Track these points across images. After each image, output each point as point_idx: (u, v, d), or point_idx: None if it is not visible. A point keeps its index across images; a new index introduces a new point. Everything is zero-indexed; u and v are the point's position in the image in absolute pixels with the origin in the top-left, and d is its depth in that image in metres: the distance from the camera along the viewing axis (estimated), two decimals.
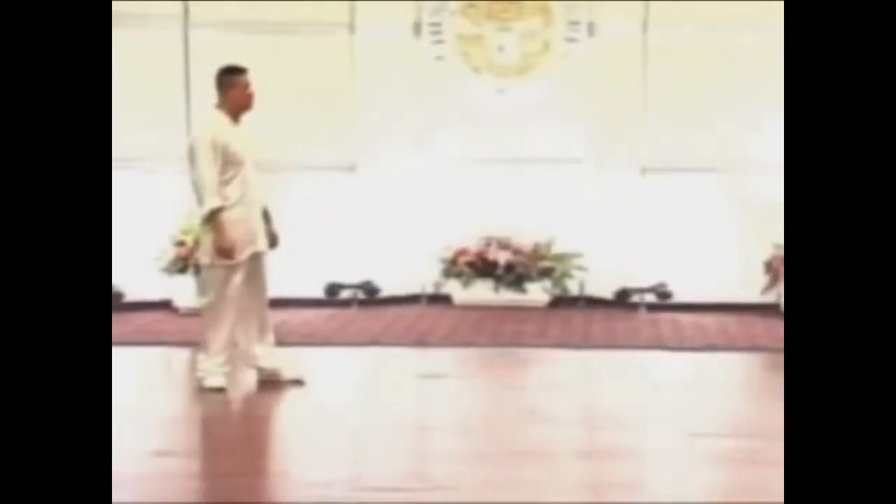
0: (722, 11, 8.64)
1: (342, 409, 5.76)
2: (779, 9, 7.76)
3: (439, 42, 9.26)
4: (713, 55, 8.79)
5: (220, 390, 5.81)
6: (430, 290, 9.18)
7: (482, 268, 9.07)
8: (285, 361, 6.09)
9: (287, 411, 5.64)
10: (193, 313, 8.64)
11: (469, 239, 9.17)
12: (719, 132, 8.78)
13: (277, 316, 8.44)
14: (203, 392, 5.80)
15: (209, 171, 5.68)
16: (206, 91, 9.02)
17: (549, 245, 9.12)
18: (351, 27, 9.15)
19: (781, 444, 3.11)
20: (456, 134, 9.19)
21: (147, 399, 5.89)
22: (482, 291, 9.07)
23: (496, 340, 7.43)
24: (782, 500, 2.88)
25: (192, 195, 5.85)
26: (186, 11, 9.07)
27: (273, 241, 6.11)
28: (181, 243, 8.83)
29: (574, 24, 9.14)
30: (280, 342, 7.38)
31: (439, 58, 9.25)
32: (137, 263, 8.52)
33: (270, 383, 5.96)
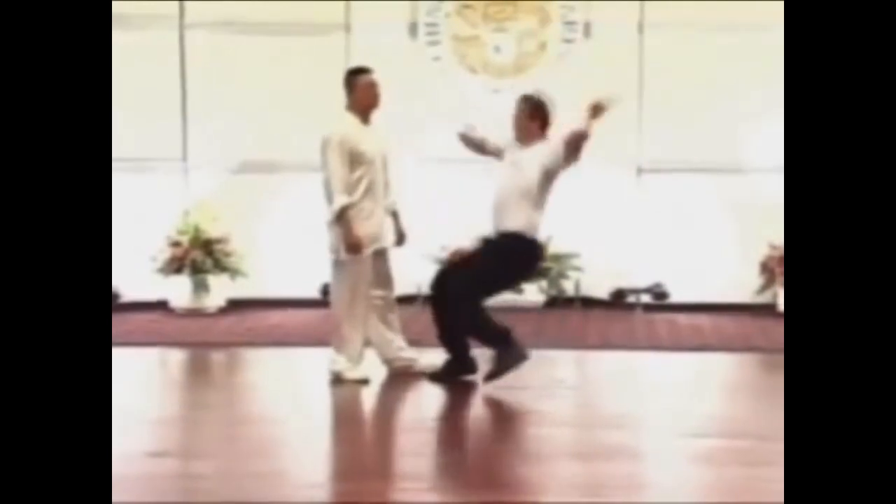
0: (718, 12, 8.65)
1: (338, 410, 5.77)
2: (775, 9, 7.80)
3: (435, 43, 9.26)
4: (709, 56, 8.80)
5: (364, 382, 5.98)
6: (425, 290, 9.16)
7: None
8: (413, 354, 6.26)
9: (282, 411, 5.63)
10: (189, 313, 8.68)
11: (465, 239, 9.16)
12: (715, 133, 8.80)
13: (273, 316, 8.51)
14: (338, 385, 5.93)
15: (339, 169, 5.87)
16: (202, 91, 9.09)
17: (544, 245, 9.11)
18: (347, 28, 9.15)
19: (777, 444, 3.12)
20: (452, 134, 9.18)
21: (142, 399, 5.88)
22: None
23: None
24: (778, 500, 2.88)
25: (323, 193, 6.00)
26: (182, 12, 9.06)
27: (400, 239, 6.27)
28: (177, 244, 8.83)
29: (570, 24, 9.15)
30: (276, 342, 7.41)
31: (436, 58, 9.26)
32: (133, 264, 8.51)
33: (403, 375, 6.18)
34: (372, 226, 6.01)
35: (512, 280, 6.14)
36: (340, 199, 5.86)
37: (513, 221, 5.95)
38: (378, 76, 6.10)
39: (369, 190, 5.98)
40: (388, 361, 6.23)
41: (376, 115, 6.15)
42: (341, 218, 5.87)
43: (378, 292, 6.13)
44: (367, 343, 6.13)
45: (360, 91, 6.05)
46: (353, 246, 5.88)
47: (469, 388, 5.91)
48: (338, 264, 6.01)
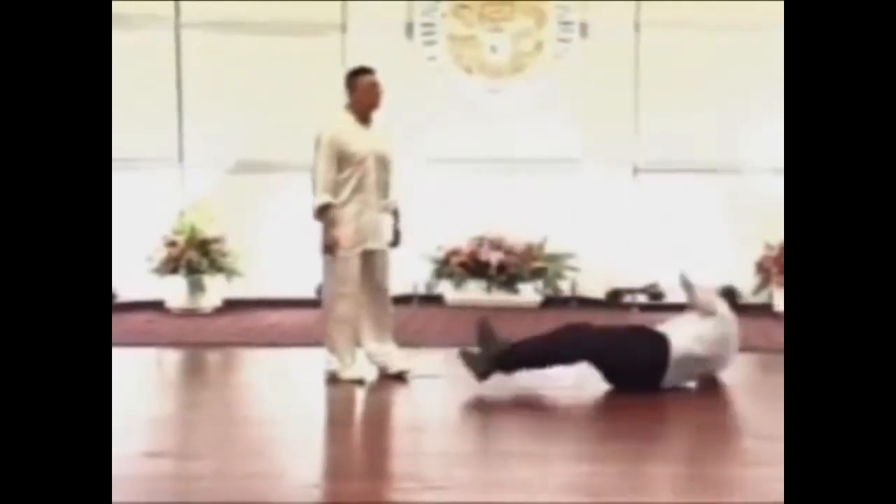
0: (715, 12, 8.68)
1: (333, 409, 5.76)
2: (770, 9, 7.82)
3: (432, 43, 9.27)
4: (705, 56, 8.83)
5: (359, 381, 5.96)
6: (422, 290, 9.19)
7: (474, 268, 9.08)
8: (396, 356, 6.18)
9: (278, 412, 5.63)
10: (185, 314, 8.67)
11: (461, 239, 9.18)
12: (711, 133, 8.83)
13: (269, 316, 8.50)
14: (334, 385, 5.93)
15: (325, 168, 5.87)
16: (198, 91, 9.08)
17: (541, 245, 9.14)
18: (343, 28, 9.16)
19: (776, 444, 3.11)
20: (448, 134, 9.20)
21: (138, 400, 5.87)
22: (474, 292, 9.09)
23: None
24: (778, 500, 2.88)
25: (310, 191, 5.98)
26: (178, 12, 9.06)
27: (395, 240, 6.21)
28: (173, 244, 8.83)
29: (566, 24, 9.17)
30: (272, 343, 7.40)
31: (432, 58, 9.27)
32: (129, 264, 8.50)
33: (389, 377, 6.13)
34: (360, 226, 5.96)
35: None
36: (320, 198, 5.86)
37: None
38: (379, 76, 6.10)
39: (358, 190, 5.94)
40: (374, 363, 6.20)
41: (377, 116, 6.13)
42: (321, 217, 5.88)
43: (366, 293, 6.08)
44: (358, 343, 6.13)
45: (362, 91, 6.03)
46: (328, 247, 5.88)
47: (466, 388, 5.90)
48: (325, 264, 5.99)
